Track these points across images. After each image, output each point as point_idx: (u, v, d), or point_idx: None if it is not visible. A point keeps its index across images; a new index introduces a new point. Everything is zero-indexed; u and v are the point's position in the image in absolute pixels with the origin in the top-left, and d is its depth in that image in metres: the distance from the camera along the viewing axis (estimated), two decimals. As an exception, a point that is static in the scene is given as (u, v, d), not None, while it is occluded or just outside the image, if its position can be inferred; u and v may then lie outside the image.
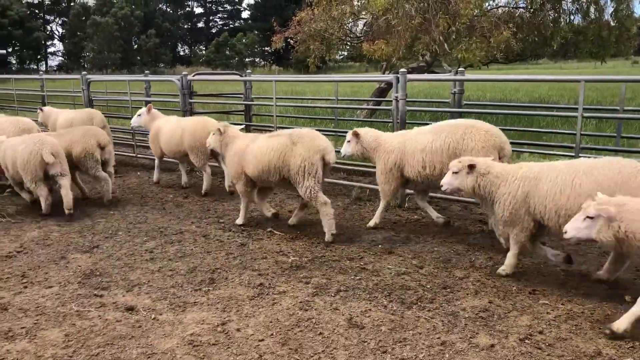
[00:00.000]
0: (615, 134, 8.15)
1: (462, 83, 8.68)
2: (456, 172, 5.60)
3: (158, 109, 14.61)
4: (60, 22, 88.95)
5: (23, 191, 8.29)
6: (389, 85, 9.75)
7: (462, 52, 14.72)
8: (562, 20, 17.46)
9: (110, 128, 11.52)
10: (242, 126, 8.03)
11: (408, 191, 8.35)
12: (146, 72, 14.81)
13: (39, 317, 4.72)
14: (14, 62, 76.49)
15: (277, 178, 6.77)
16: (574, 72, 41.20)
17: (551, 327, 4.41)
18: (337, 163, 8.00)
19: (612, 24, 17.23)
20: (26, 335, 4.41)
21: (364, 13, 18.02)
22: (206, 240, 6.79)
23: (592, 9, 17.05)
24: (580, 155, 7.30)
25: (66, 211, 7.68)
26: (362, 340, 4.24)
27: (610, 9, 17.24)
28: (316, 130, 6.97)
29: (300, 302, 4.95)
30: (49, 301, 5.06)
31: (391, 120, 8.55)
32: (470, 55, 14.91)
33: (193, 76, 11.69)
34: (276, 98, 10.23)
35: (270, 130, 9.47)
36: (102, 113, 11.35)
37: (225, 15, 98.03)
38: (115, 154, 10.12)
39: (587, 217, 4.33)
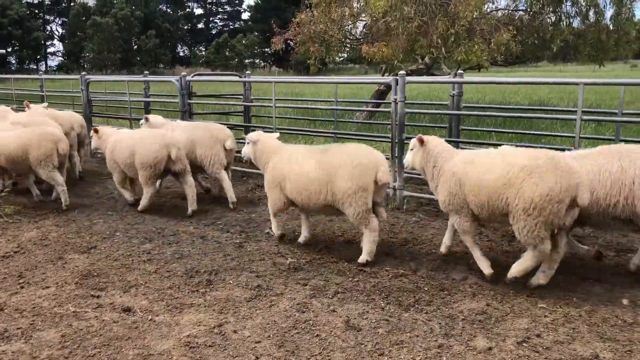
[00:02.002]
0: (614, 137, 8.14)
1: (461, 85, 8.70)
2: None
3: (157, 110, 14.64)
4: (60, 22, 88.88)
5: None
6: (389, 87, 9.73)
7: (463, 54, 14.73)
8: (561, 23, 17.47)
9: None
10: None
11: (406, 193, 8.36)
12: (145, 72, 14.81)
13: (35, 318, 4.71)
14: (13, 61, 76.44)
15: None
16: (573, 75, 41.23)
17: (549, 330, 4.41)
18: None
19: (611, 27, 17.24)
20: (22, 335, 4.40)
21: (363, 15, 18.03)
22: (204, 242, 6.78)
23: (591, 13, 17.06)
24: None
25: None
26: (359, 343, 4.24)
27: (609, 13, 17.26)
28: (315, 131, 6.98)
29: (298, 304, 4.94)
30: (45, 302, 5.05)
31: (390, 123, 8.55)
32: (473, 57, 14.92)
33: (192, 77, 11.68)
34: (275, 99, 10.24)
35: (270, 131, 9.47)
36: (101, 114, 11.34)
37: (225, 17, 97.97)
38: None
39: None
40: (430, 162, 5.77)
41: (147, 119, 9.01)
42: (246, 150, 6.88)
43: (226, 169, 8.58)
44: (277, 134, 7.00)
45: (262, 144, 6.67)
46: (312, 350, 4.15)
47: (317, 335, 4.37)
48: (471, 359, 4.00)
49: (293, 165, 6.15)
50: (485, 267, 5.43)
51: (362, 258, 5.90)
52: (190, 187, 7.95)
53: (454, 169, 5.42)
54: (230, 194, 8.35)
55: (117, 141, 8.19)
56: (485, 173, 5.07)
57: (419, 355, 4.05)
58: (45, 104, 11.70)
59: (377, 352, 4.09)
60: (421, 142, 5.83)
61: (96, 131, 8.64)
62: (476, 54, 14.76)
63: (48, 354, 4.13)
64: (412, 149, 6.00)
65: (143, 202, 8.12)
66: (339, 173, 5.72)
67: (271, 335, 4.37)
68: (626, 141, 9.25)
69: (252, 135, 6.83)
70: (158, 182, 8.69)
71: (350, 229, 7.27)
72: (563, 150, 6.58)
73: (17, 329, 4.51)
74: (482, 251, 5.60)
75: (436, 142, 5.84)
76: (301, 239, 6.64)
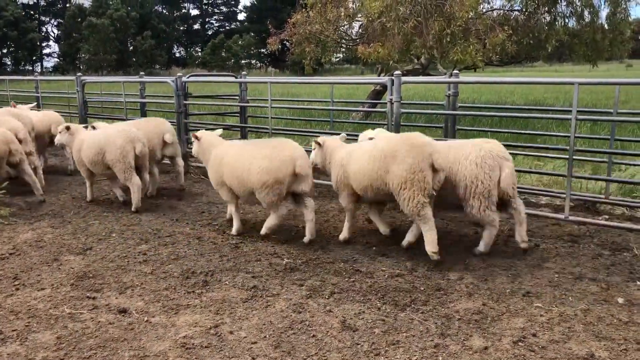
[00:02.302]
0: (609, 137, 8.16)
1: (456, 85, 8.71)
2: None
3: (153, 111, 14.62)
4: (55, 23, 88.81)
5: None
6: (385, 87, 9.76)
7: (459, 54, 14.75)
8: (557, 23, 17.52)
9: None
10: (220, 131, 7.88)
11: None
12: (141, 73, 14.79)
13: (30, 320, 4.69)
14: (8, 63, 76.29)
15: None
16: (569, 75, 41.37)
17: (544, 330, 4.42)
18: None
19: (606, 27, 17.29)
20: (17, 337, 4.38)
21: (359, 16, 18.05)
22: (200, 243, 6.77)
23: (586, 13, 17.11)
24: (574, 158, 7.33)
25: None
26: (355, 343, 4.24)
27: (604, 13, 17.32)
28: (311, 132, 7.03)
29: (294, 304, 4.94)
30: (41, 303, 5.03)
31: (386, 123, 8.56)
32: (468, 57, 14.95)
33: (188, 77, 11.67)
34: (271, 100, 10.23)
35: (266, 132, 9.48)
36: (97, 115, 11.31)
37: (221, 17, 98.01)
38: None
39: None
40: (326, 159, 6.91)
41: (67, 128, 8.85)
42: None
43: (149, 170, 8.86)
44: (220, 131, 7.79)
45: (204, 141, 7.39)
46: (308, 350, 4.15)
47: (314, 335, 4.37)
48: (467, 359, 4.00)
49: (229, 158, 6.90)
50: (346, 232, 6.76)
51: (263, 231, 6.78)
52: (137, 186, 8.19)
53: (342, 162, 6.52)
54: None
55: (83, 140, 8.44)
56: (366, 163, 6.08)
57: (415, 355, 4.05)
58: (34, 104, 11.63)
59: (374, 352, 4.10)
60: (319, 144, 6.92)
61: (68, 128, 8.77)
62: (471, 54, 14.79)
63: (43, 355, 4.11)
64: (313, 149, 7.05)
65: (134, 201, 8.22)
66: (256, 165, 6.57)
67: (267, 336, 4.37)
68: (621, 140, 9.32)
69: (198, 133, 7.55)
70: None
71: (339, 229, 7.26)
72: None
73: (13, 330, 4.50)
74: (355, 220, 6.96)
75: (329, 142, 6.93)
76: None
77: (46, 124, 10.70)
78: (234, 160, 6.79)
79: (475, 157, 5.96)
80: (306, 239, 6.69)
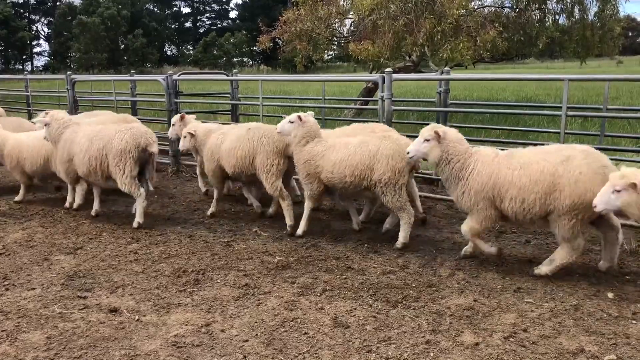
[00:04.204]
0: (599, 133, 8.21)
1: (447, 82, 8.72)
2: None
3: (144, 109, 14.56)
4: (46, 21, 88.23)
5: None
6: (376, 85, 9.78)
7: (448, 52, 14.77)
8: (547, 20, 17.57)
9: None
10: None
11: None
12: (132, 71, 14.72)
13: (20, 320, 4.66)
14: (-2, 62, 75.78)
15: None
16: (559, 71, 41.52)
17: (535, 325, 4.44)
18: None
19: (596, 24, 17.36)
20: (7, 338, 4.36)
21: (351, 13, 18.04)
22: (191, 241, 6.75)
23: (576, 9, 17.16)
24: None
25: None
26: (347, 340, 4.24)
27: (594, 9, 17.37)
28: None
29: (286, 302, 4.94)
30: (31, 303, 5.00)
31: (378, 120, 8.56)
32: (457, 54, 14.97)
33: (179, 76, 11.62)
34: (262, 97, 10.21)
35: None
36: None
37: (213, 15, 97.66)
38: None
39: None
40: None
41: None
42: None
43: None
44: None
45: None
46: (300, 348, 4.14)
47: (305, 333, 4.37)
48: (458, 355, 4.01)
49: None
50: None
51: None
52: None
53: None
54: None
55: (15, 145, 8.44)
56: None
57: (406, 351, 4.06)
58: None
59: (365, 349, 4.10)
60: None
61: None
62: (461, 52, 14.81)
63: (33, 355, 4.09)
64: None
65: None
66: None
67: (259, 334, 4.36)
68: (611, 137, 9.39)
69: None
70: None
71: (338, 227, 7.27)
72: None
73: (2, 331, 4.47)
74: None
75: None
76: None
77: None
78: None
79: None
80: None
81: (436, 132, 5.68)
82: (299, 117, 6.69)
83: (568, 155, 5.17)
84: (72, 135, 7.61)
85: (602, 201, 4.70)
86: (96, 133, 7.43)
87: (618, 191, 4.64)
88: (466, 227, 5.68)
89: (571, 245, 5.22)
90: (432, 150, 5.72)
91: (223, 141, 7.47)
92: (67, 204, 8.27)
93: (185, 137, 7.96)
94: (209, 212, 7.87)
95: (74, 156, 7.54)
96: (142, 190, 7.28)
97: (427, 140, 5.73)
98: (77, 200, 8.14)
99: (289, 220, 6.95)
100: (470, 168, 5.56)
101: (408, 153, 5.90)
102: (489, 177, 5.42)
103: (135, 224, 7.28)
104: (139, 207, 7.33)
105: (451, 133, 5.78)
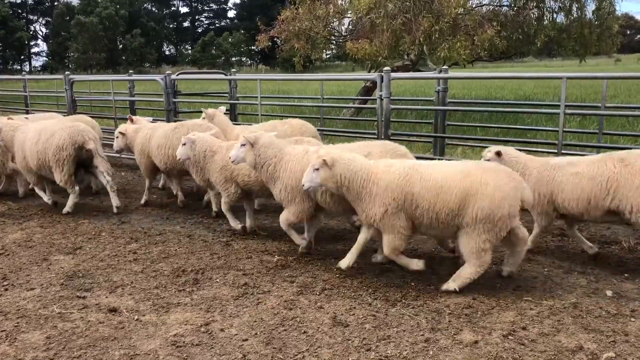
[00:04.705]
0: (597, 131, 8.22)
1: (446, 81, 8.73)
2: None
3: (143, 109, 14.55)
4: (43, 22, 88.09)
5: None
6: (375, 84, 9.79)
7: (446, 51, 14.77)
8: (545, 18, 17.58)
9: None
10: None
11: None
12: (130, 71, 14.70)
13: (19, 320, 4.66)
14: (-4, 62, 75.61)
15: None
16: (558, 69, 41.54)
17: (534, 323, 4.44)
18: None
19: (594, 22, 17.37)
20: (6, 338, 4.36)
21: (349, 13, 18.03)
22: (190, 241, 6.75)
23: (574, 7, 17.17)
24: (562, 152, 7.36)
25: None
26: (346, 338, 4.24)
27: (592, 7, 17.38)
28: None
29: (285, 301, 4.94)
30: (30, 303, 5.00)
31: (376, 119, 8.57)
32: (454, 53, 14.97)
33: (177, 75, 11.62)
34: (261, 97, 10.22)
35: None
36: (86, 113, 11.22)
37: (211, 15, 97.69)
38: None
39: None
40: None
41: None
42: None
43: None
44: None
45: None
46: (299, 346, 4.15)
47: (305, 332, 4.37)
48: (458, 353, 4.02)
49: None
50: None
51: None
52: None
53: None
54: None
55: None
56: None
57: (405, 350, 4.06)
58: None
59: (364, 348, 4.10)
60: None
61: None
62: (458, 51, 14.81)
63: (33, 356, 4.09)
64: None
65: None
66: None
67: (258, 333, 4.36)
68: (609, 134, 9.39)
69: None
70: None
71: (337, 225, 7.28)
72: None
73: (2, 331, 4.47)
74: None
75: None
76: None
77: None
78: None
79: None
80: None
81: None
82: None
83: (369, 151, 6.00)
84: (22, 135, 8.10)
85: (307, 180, 5.24)
86: (44, 127, 7.93)
87: (317, 169, 5.17)
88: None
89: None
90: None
91: (151, 137, 8.02)
92: (48, 202, 8.43)
93: (117, 137, 8.56)
94: (142, 201, 8.56)
95: (26, 153, 7.95)
96: (76, 187, 7.97)
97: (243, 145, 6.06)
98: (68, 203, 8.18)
99: (214, 207, 7.68)
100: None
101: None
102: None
103: (64, 211, 7.97)
104: (70, 201, 7.98)
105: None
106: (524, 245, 5.25)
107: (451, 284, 5.04)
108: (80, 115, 10.95)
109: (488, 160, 5.71)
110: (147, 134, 8.20)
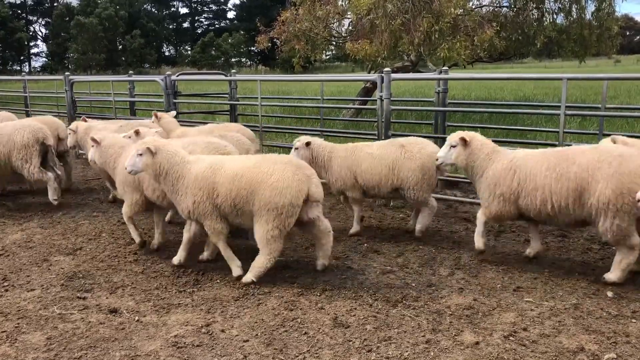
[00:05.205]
0: (597, 132, 8.21)
1: (446, 82, 8.73)
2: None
3: (142, 110, 14.55)
4: (43, 22, 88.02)
5: None
6: (375, 84, 9.80)
7: (445, 52, 14.77)
8: (545, 19, 17.58)
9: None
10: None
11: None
12: (130, 72, 14.70)
13: (20, 321, 4.66)
14: (-4, 63, 75.53)
15: None
16: (558, 70, 41.54)
17: (535, 324, 4.44)
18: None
19: (593, 23, 17.37)
20: (7, 339, 4.35)
21: (349, 14, 18.02)
22: (191, 241, 6.73)
23: (574, 9, 17.17)
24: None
25: None
26: (347, 340, 4.24)
27: (591, 8, 17.38)
28: (301, 129, 7.02)
29: (286, 302, 4.94)
30: (30, 304, 5.00)
31: (376, 120, 8.56)
32: (454, 54, 14.97)
33: (177, 76, 11.62)
34: (261, 98, 10.21)
35: (256, 130, 9.45)
36: (86, 114, 11.21)
37: (211, 15, 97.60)
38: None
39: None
40: None
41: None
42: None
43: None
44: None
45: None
46: (300, 348, 4.14)
47: (305, 333, 4.37)
48: (459, 354, 4.02)
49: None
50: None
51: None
52: None
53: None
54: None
55: None
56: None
57: (406, 351, 4.06)
58: None
59: (365, 349, 4.10)
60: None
61: None
62: (458, 51, 14.80)
63: (33, 357, 4.08)
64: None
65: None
66: None
67: (259, 334, 4.36)
68: (610, 135, 9.37)
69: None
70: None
71: (336, 227, 7.27)
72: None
73: (2, 332, 4.46)
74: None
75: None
76: None
77: None
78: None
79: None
80: None
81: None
82: None
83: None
84: None
85: (129, 164, 5.50)
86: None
87: (140, 155, 5.44)
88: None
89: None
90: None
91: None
92: None
93: (69, 133, 8.68)
94: (110, 196, 8.74)
95: None
96: (49, 174, 8.07)
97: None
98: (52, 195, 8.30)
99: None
100: None
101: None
102: None
103: (54, 203, 8.13)
104: (50, 188, 8.09)
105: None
106: (328, 238, 5.58)
107: (248, 276, 5.34)
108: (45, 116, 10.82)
109: (297, 149, 6.72)
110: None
